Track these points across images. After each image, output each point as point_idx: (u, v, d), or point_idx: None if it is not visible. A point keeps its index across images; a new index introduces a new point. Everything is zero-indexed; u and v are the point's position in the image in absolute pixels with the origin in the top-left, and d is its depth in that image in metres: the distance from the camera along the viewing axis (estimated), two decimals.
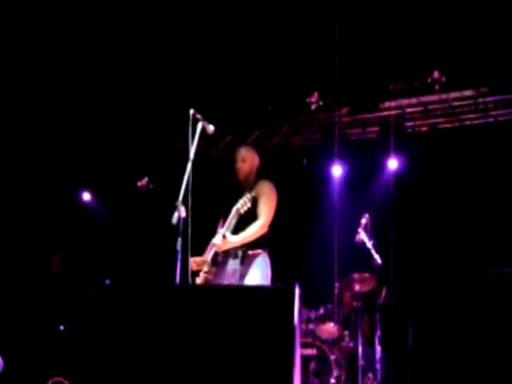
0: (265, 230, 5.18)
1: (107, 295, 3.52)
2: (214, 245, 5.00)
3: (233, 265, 5.11)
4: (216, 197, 5.79)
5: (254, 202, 5.04)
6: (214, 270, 5.06)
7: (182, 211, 4.44)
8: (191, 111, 4.71)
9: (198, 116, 4.76)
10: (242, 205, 4.87)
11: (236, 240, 5.00)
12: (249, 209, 4.92)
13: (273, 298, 3.34)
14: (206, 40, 7.60)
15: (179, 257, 4.32)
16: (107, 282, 3.52)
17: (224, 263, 5.13)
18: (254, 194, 4.99)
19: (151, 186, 9.54)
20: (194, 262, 5.01)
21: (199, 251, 5.15)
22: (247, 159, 5.42)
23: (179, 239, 4.37)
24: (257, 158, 5.49)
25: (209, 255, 5.09)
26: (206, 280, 5.02)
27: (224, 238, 4.91)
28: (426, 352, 3.32)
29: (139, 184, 9.53)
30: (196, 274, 5.06)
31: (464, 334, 3.31)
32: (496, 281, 3.33)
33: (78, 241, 9.44)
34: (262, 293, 3.54)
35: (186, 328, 3.40)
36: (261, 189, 5.22)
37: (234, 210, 4.92)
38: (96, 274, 8.50)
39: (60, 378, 7.01)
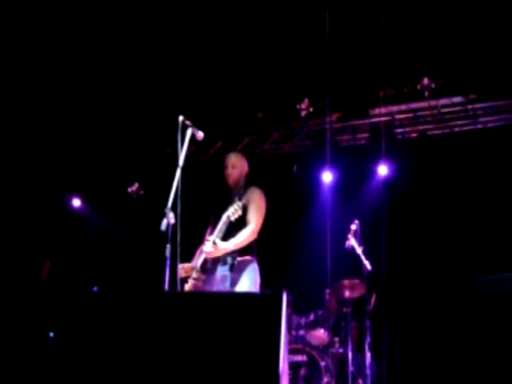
0: (254, 236, 5.17)
1: (95, 303, 3.51)
2: (203, 252, 4.99)
3: (222, 271, 5.10)
4: (205, 203, 5.77)
5: (244, 208, 5.04)
6: (203, 276, 5.04)
7: (171, 218, 4.42)
8: (180, 118, 4.71)
9: (188, 122, 4.75)
10: (233, 212, 4.86)
11: (226, 246, 4.99)
12: (239, 216, 4.92)
13: (260, 304, 3.34)
14: (197, 47, 7.62)
15: (168, 263, 4.31)
16: (95, 289, 3.51)
17: (213, 270, 5.11)
18: (244, 201, 4.99)
19: (141, 192, 9.53)
20: (182, 268, 4.99)
21: (188, 258, 5.14)
22: (237, 166, 5.42)
23: (168, 246, 4.36)
24: (246, 165, 5.50)
25: (198, 262, 5.07)
26: (195, 287, 4.99)
27: (214, 245, 4.90)
28: (412, 359, 3.32)
29: (129, 190, 9.52)
30: (185, 280, 5.04)
31: (450, 342, 3.32)
32: (483, 288, 3.34)
33: (67, 247, 9.40)
34: (249, 299, 3.53)
35: (174, 335, 3.39)
36: (251, 196, 5.22)
37: (224, 217, 4.91)
38: (85, 281, 8.47)
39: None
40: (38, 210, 9.37)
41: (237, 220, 4.93)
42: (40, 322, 7.55)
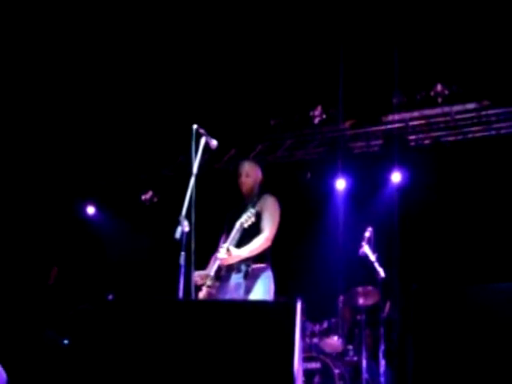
0: (268, 243, 5.19)
1: (110, 310, 3.53)
2: (218, 259, 5.01)
3: (236, 279, 5.12)
4: (219, 211, 5.79)
5: (258, 216, 5.06)
6: (217, 284, 5.06)
7: (185, 225, 4.44)
8: (194, 126, 4.74)
9: (202, 131, 4.78)
10: (246, 219, 4.89)
11: (240, 253, 5.01)
12: (253, 223, 4.93)
13: (274, 312, 3.35)
14: (210, 55, 7.65)
15: (182, 271, 4.32)
16: (110, 297, 3.53)
17: (227, 277, 5.13)
18: (257, 208, 5.01)
19: (155, 200, 9.56)
20: (198, 276, 5.01)
21: (202, 265, 5.15)
22: (251, 174, 5.45)
23: (182, 253, 4.38)
24: (260, 173, 5.53)
25: (212, 269, 5.09)
26: (210, 294, 5.01)
27: (228, 252, 4.91)
28: (426, 367, 3.31)
29: (143, 198, 9.55)
30: (199, 288, 5.06)
31: (464, 350, 3.30)
32: (497, 296, 3.32)
33: (82, 254, 9.44)
34: (263, 308, 3.54)
35: (188, 343, 3.40)
36: (265, 203, 5.25)
37: (237, 225, 4.93)
38: (99, 289, 8.50)
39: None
40: (53, 217, 9.42)
41: (250, 227, 4.95)
42: (45, 325, 7.59)
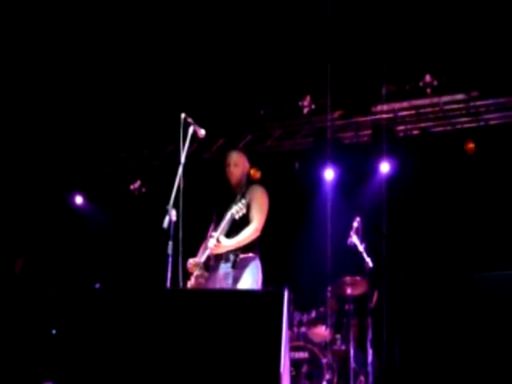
0: (257, 234, 5.21)
1: (97, 299, 3.52)
2: (208, 248, 5.01)
3: (224, 269, 5.13)
4: (207, 201, 5.78)
5: (247, 206, 5.06)
6: (206, 274, 5.08)
7: (173, 215, 4.44)
8: (182, 115, 4.72)
9: (190, 120, 4.77)
10: (237, 210, 4.88)
11: (230, 243, 5.01)
12: (244, 215, 4.94)
13: (262, 301, 3.35)
14: (199, 43, 7.61)
15: (170, 261, 4.32)
16: (97, 286, 3.52)
17: (216, 267, 5.15)
18: (247, 199, 5.00)
19: (144, 190, 9.53)
20: (192, 263, 5.06)
21: (189, 255, 5.15)
22: (239, 164, 5.44)
23: (170, 243, 4.38)
24: (247, 162, 5.53)
25: (201, 259, 5.10)
26: (198, 284, 5.03)
27: (218, 242, 4.92)
28: (412, 355, 3.33)
29: (132, 187, 9.53)
30: (187, 278, 5.06)
31: (450, 338, 3.32)
32: (482, 285, 3.34)
33: (70, 244, 9.41)
34: (251, 296, 3.55)
35: (176, 332, 3.40)
36: (253, 193, 5.25)
37: (228, 215, 4.93)
38: (87, 278, 8.48)
39: (50, 382, 6.98)
40: (40, 207, 9.38)
41: (240, 218, 4.95)
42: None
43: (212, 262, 5.12)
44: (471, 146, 7.75)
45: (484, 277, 3.39)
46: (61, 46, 7.74)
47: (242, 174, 5.44)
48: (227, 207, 5.03)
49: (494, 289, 3.31)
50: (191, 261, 5.09)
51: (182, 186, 4.57)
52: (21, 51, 7.73)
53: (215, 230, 5.08)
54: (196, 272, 5.05)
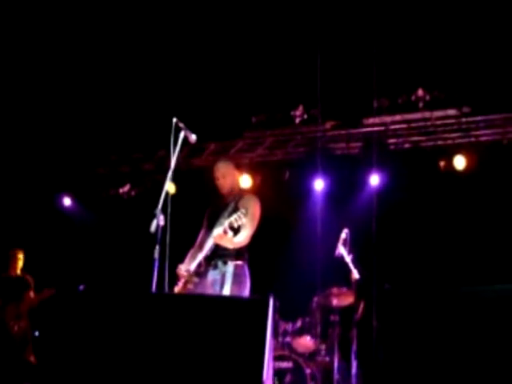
0: (247, 241, 5.22)
1: (81, 301, 3.49)
2: (213, 236, 5.02)
3: (212, 275, 5.16)
4: (196, 206, 5.77)
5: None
6: (196, 279, 5.10)
7: (160, 219, 4.43)
8: (174, 120, 4.72)
9: (181, 125, 4.76)
10: (236, 219, 4.89)
11: (231, 240, 5.01)
12: (243, 223, 4.94)
13: (246, 309, 3.34)
14: (192, 49, 7.62)
15: (156, 265, 4.31)
16: (80, 287, 3.49)
17: (205, 274, 5.16)
18: (243, 210, 5.00)
19: (133, 194, 9.50)
20: (182, 269, 5.10)
21: (177, 260, 5.14)
22: (227, 174, 5.45)
23: (157, 247, 4.36)
24: (236, 170, 5.57)
25: (191, 264, 5.12)
26: (187, 289, 5.06)
27: (225, 234, 4.90)
28: (397, 367, 3.32)
29: (121, 191, 9.49)
30: (173, 282, 5.05)
31: (434, 351, 3.32)
32: (470, 299, 3.35)
33: (56, 245, 9.35)
34: (235, 303, 3.54)
35: (160, 336, 3.38)
36: (247, 203, 5.28)
37: (226, 223, 4.92)
38: (73, 280, 8.42)
39: None
40: (28, 209, 9.33)
41: (238, 226, 4.99)
42: None
43: (202, 269, 5.13)
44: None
45: (472, 290, 3.39)
46: (53, 48, 7.73)
47: (231, 183, 5.47)
48: (219, 214, 5.08)
49: (483, 302, 3.31)
50: (181, 267, 5.10)
51: (171, 190, 4.56)
52: (11, 53, 7.71)
53: (205, 236, 5.11)
54: (186, 278, 5.06)
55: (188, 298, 4.14)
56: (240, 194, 5.44)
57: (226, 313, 3.34)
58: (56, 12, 7.28)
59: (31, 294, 7.69)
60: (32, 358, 7.42)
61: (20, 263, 7.88)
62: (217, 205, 5.37)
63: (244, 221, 4.92)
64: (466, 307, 3.32)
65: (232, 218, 4.89)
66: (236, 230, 5.03)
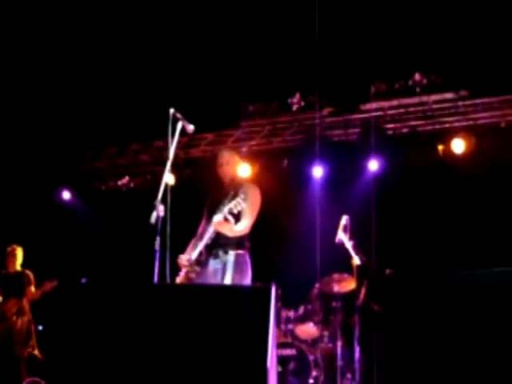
0: (248, 230, 5.23)
1: (83, 294, 3.50)
2: (213, 222, 5.01)
3: (214, 265, 5.16)
4: (195, 196, 5.77)
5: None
6: (197, 269, 5.11)
7: (160, 210, 4.43)
8: (171, 110, 4.71)
9: (178, 115, 4.75)
10: (235, 205, 4.90)
11: (231, 227, 5.01)
12: (241, 210, 4.95)
13: (249, 297, 3.35)
14: (188, 39, 7.59)
15: (157, 256, 4.31)
16: (83, 280, 3.50)
17: (205, 263, 5.16)
18: (242, 195, 5.00)
19: (132, 185, 9.50)
20: (183, 259, 5.10)
21: (178, 251, 5.14)
22: (231, 162, 5.48)
23: (157, 238, 4.37)
24: (238, 159, 5.60)
25: (193, 254, 5.12)
26: (189, 279, 5.06)
27: (226, 220, 4.92)
28: (400, 353, 3.33)
29: (120, 183, 9.49)
30: (175, 273, 5.06)
31: (437, 335, 3.33)
32: (470, 282, 3.36)
33: (57, 239, 9.36)
34: (238, 292, 3.54)
35: (163, 326, 3.39)
36: (248, 192, 5.27)
37: (225, 210, 4.93)
38: (74, 273, 8.42)
39: (36, 378, 6.96)
40: (27, 203, 9.32)
41: (238, 212, 4.98)
42: None
43: (203, 258, 5.14)
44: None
45: (473, 273, 3.40)
46: (48, 41, 7.70)
47: (233, 172, 5.51)
48: (220, 204, 5.08)
49: (484, 286, 3.32)
50: (182, 257, 5.11)
51: (170, 181, 4.56)
52: (7, 46, 7.68)
53: (206, 225, 5.14)
54: (187, 268, 5.07)
55: (190, 287, 4.15)
56: (240, 183, 5.44)
57: (229, 302, 3.35)
58: (52, 5, 7.25)
59: (32, 288, 7.69)
60: (36, 352, 7.44)
61: (19, 259, 7.87)
62: (217, 194, 5.38)
63: (244, 206, 4.92)
64: (467, 290, 3.33)
65: (231, 204, 4.90)
66: (236, 216, 5.03)
